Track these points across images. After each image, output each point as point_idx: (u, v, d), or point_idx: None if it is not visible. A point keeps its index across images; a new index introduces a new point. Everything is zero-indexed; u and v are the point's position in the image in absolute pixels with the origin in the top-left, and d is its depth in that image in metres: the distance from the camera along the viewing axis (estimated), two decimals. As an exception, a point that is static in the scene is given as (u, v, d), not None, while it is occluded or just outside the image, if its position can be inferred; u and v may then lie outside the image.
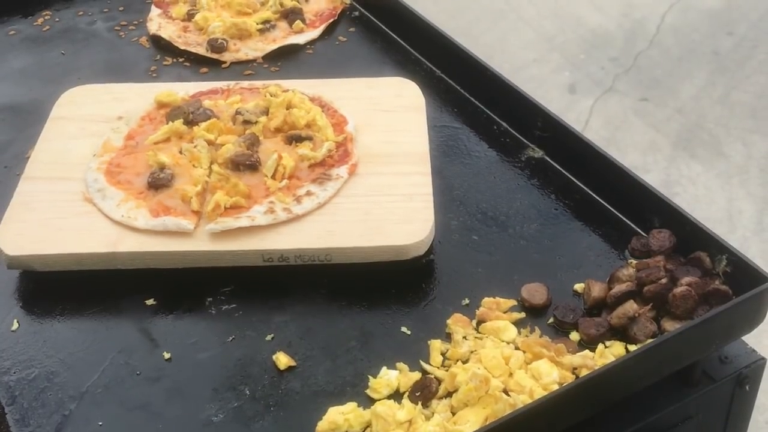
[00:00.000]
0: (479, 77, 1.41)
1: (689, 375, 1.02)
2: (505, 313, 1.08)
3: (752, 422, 1.15)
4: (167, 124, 1.32)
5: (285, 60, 1.58)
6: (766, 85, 3.30)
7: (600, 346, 1.04)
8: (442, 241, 1.19)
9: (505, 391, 0.98)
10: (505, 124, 1.38)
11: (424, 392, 0.99)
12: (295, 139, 1.28)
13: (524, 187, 1.28)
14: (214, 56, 1.57)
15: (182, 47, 1.60)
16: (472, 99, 1.44)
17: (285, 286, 1.14)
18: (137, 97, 1.39)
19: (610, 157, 1.20)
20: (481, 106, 1.42)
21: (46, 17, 1.71)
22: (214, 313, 1.11)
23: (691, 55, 3.45)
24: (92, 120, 1.36)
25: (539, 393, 0.96)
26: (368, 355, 1.05)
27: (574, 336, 1.06)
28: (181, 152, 1.27)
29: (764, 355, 1.07)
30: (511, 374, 1.00)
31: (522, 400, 0.95)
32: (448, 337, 1.07)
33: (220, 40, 1.58)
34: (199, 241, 1.16)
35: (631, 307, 1.05)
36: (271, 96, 1.35)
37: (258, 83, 1.43)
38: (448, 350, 1.04)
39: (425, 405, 0.98)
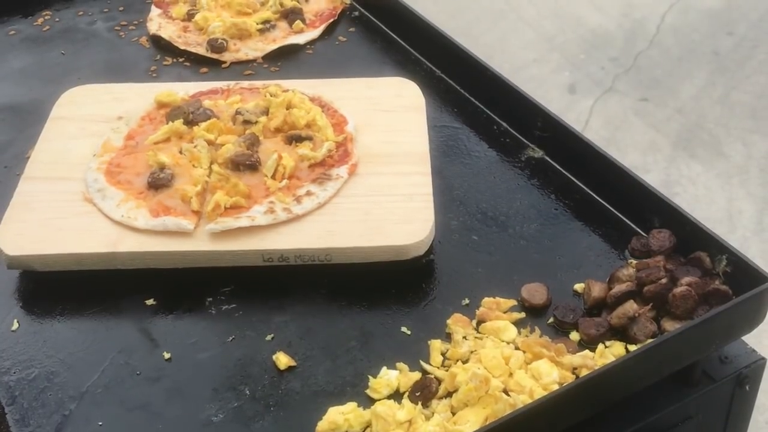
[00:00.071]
0: (479, 77, 1.41)
1: (689, 375, 1.02)
2: (505, 313, 1.08)
3: (752, 422, 1.15)
4: (167, 124, 1.32)
5: (285, 60, 1.58)
6: (766, 85, 3.30)
7: (600, 346, 1.04)
8: (442, 241, 1.19)
9: (505, 391, 0.98)
10: (505, 124, 1.38)
11: (424, 392, 0.99)
12: (295, 139, 1.28)
13: (524, 187, 1.28)
14: (214, 56, 1.57)
15: (182, 47, 1.60)
16: (472, 99, 1.44)
17: (285, 286, 1.15)
18: (137, 97, 1.39)
19: (610, 157, 1.20)
20: (481, 106, 1.42)
21: (46, 17, 1.71)
22: (214, 313, 1.11)
23: (691, 55, 3.45)
24: (92, 120, 1.36)
25: (539, 393, 0.96)
26: (368, 355, 1.05)
27: (574, 336, 1.06)
28: (181, 152, 1.27)
29: (764, 355, 1.07)
30: (511, 374, 1.00)
31: (522, 400, 0.95)
32: (448, 337, 1.07)
33: (220, 40, 1.58)
34: (199, 241, 1.16)
35: (631, 307, 1.05)
36: (271, 96, 1.35)
37: (258, 83, 1.43)
38: (448, 350, 1.04)
39: (425, 405, 0.98)
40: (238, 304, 1.12)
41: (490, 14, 3.72)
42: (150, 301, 1.13)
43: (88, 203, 1.22)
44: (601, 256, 1.16)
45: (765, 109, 3.18)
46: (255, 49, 1.59)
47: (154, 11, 1.69)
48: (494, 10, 3.75)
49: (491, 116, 1.40)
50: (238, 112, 1.33)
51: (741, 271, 1.04)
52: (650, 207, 1.15)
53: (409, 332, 1.08)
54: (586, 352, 1.03)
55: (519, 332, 1.06)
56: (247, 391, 1.02)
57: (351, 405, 0.98)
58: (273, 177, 1.23)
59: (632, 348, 1.03)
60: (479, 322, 1.08)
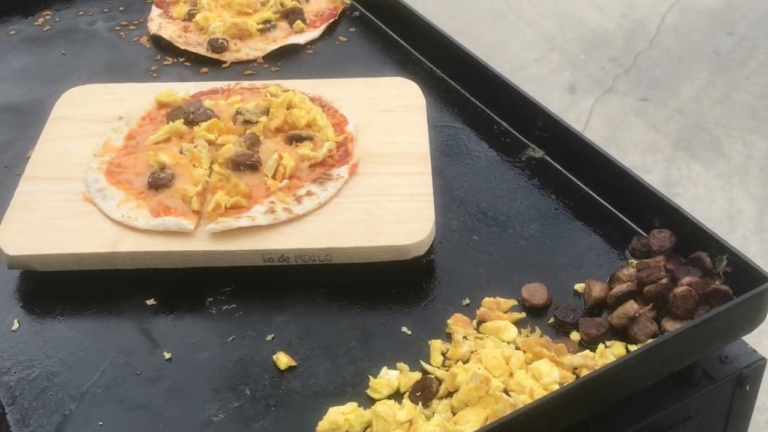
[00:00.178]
0: (479, 77, 1.41)
1: (689, 375, 1.02)
2: (505, 313, 1.08)
3: (752, 422, 1.15)
4: (168, 124, 1.32)
5: (285, 60, 1.58)
6: (766, 85, 3.30)
7: (600, 346, 1.04)
8: (442, 241, 1.19)
9: (506, 391, 0.98)
10: (505, 124, 1.38)
11: (424, 392, 0.99)
12: (295, 139, 1.28)
13: (524, 187, 1.28)
14: (215, 56, 1.57)
15: (183, 47, 1.60)
16: (472, 99, 1.44)
17: (285, 286, 1.15)
18: (138, 97, 1.39)
19: (610, 157, 1.20)
20: (482, 106, 1.42)
21: (47, 17, 1.71)
22: (215, 313, 1.11)
23: (691, 55, 3.45)
24: (93, 120, 1.36)
25: (540, 393, 0.96)
26: (368, 355, 1.05)
27: (575, 336, 1.06)
28: (181, 152, 1.27)
29: (764, 355, 1.07)
30: (511, 374, 1.00)
31: (522, 400, 0.95)
32: (448, 337, 1.07)
33: (220, 40, 1.58)
34: (200, 241, 1.16)
35: (631, 307, 1.05)
36: (272, 96, 1.35)
37: (258, 83, 1.43)
38: (448, 350, 1.04)
39: (425, 405, 0.98)
40: (239, 304, 1.12)
41: (491, 14, 3.72)
42: (150, 301, 1.13)
43: (88, 203, 1.22)
44: (602, 256, 1.16)
45: (765, 109, 3.18)
46: (255, 49, 1.59)
47: (155, 11, 1.69)
48: (494, 10, 3.75)
49: (491, 116, 1.40)
50: (238, 112, 1.33)
51: (741, 271, 1.04)
52: (650, 207, 1.15)
53: (409, 332, 1.08)
54: (587, 352, 1.03)
55: (519, 332, 1.06)
56: (248, 391, 1.02)
57: (351, 405, 0.98)
58: (273, 177, 1.23)
59: (633, 348, 1.03)
60: (480, 322, 1.08)
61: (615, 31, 3.60)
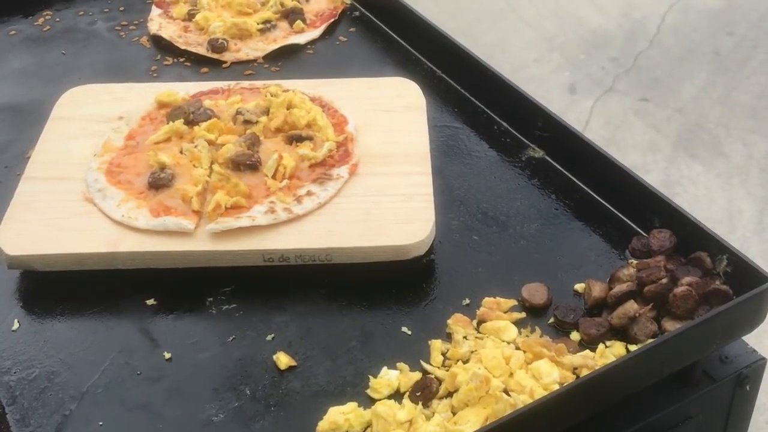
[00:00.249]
0: (480, 77, 1.41)
1: (689, 375, 1.02)
2: (505, 313, 1.08)
3: (752, 422, 1.15)
4: (168, 124, 1.32)
5: (285, 60, 1.58)
6: (766, 85, 3.30)
7: (600, 346, 1.04)
8: (442, 241, 1.19)
9: (506, 391, 0.98)
10: (505, 124, 1.38)
11: (424, 392, 0.99)
12: (295, 139, 1.28)
13: (525, 187, 1.28)
14: (215, 56, 1.57)
15: (183, 47, 1.60)
16: (472, 99, 1.44)
17: (285, 286, 1.15)
18: (138, 97, 1.39)
19: (610, 157, 1.20)
20: (482, 106, 1.42)
21: (47, 17, 1.71)
22: (215, 313, 1.11)
23: (691, 55, 3.45)
24: (93, 120, 1.36)
25: (540, 393, 0.96)
26: (369, 355, 1.05)
27: (575, 336, 1.06)
28: (181, 152, 1.27)
29: (765, 355, 1.07)
30: (511, 374, 1.00)
31: (522, 400, 0.95)
32: (448, 337, 1.07)
33: (220, 40, 1.58)
34: (200, 241, 1.16)
35: (631, 307, 1.05)
36: (272, 96, 1.35)
37: (258, 83, 1.43)
38: (448, 350, 1.04)
39: (426, 405, 0.98)
40: (239, 304, 1.12)
41: (491, 14, 3.72)
42: (150, 301, 1.13)
43: (88, 203, 1.22)
44: (602, 256, 1.16)
45: (765, 109, 3.18)
46: (255, 49, 1.59)
47: (155, 11, 1.69)
48: (494, 10, 3.75)
49: (492, 116, 1.40)
50: (238, 112, 1.33)
51: (741, 271, 1.04)
52: (650, 207, 1.15)
53: (409, 332, 1.08)
54: (587, 352, 1.03)
55: (519, 332, 1.06)
56: (248, 391, 1.02)
57: (351, 405, 0.98)
58: (273, 177, 1.23)
59: (633, 348, 1.03)
60: (480, 322, 1.08)
61: (615, 31, 3.60)
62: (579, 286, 1.12)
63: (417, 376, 1.01)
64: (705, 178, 2.88)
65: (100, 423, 0.99)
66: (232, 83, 1.43)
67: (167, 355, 1.06)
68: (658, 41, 3.53)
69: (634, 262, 1.12)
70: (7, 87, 1.54)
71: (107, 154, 1.29)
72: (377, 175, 1.25)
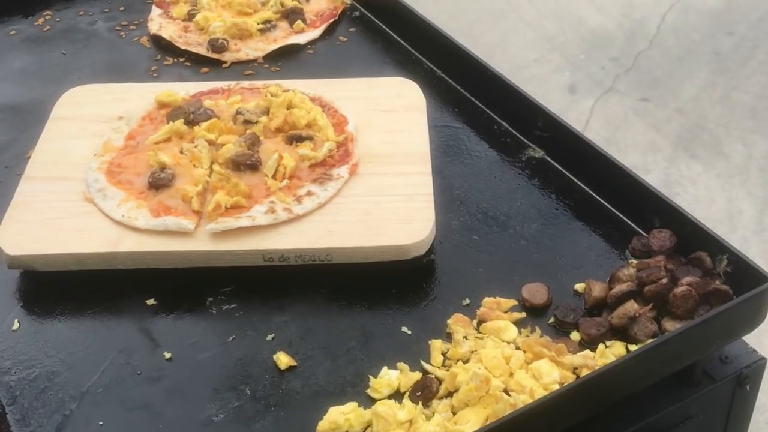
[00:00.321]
0: (480, 77, 1.41)
1: (689, 375, 1.02)
2: (505, 313, 1.08)
3: (753, 422, 1.15)
4: (168, 124, 1.32)
5: (285, 60, 1.58)
6: (766, 85, 3.30)
7: (600, 346, 1.04)
8: (442, 241, 1.19)
9: (506, 391, 0.98)
10: (505, 124, 1.38)
11: (424, 392, 0.99)
12: (295, 139, 1.28)
13: (525, 187, 1.28)
14: (215, 56, 1.57)
15: (183, 47, 1.60)
16: (472, 99, 1.44)
17: (285, 286, 1.15)
18: (138, 97, 1.39)
19: (610, 157, 1.20)
20: (482, 106, 1.42)
21: (47, 17, 1.71)
22: (215, 313, 1.11)
23: (691, 55, 3.45)
24: (93, 120, 1.36)
25: (540, 393, 0.96)
26: (369, 355, 1.05)
27: (575, 336, 1.06)
28: (181, 152, 1.27)
29: (765, 355, 1.07)
30: (511, 374, 1.00)
31: (522, 400, 0.95)
32: (448, 337, 1.07)
33: (220, 40, 1.58)
34: (200, 241, 1.16)
35: (631, 307, 1.05)
36: (272, 96, 1.35)
37: (259, 83, 1.43)
38: (448, 350, 1.04)
39: (426, 405, 0.98)
40: (239, 304, 1.12)
41: (491, 14, 3.72)
42: (150, 301, 1.13)
43: (88, 203, 1.22)
44: (602, 256, 1.16)
45: (765, 109, 3.18)
46: (256, 49, 1.59)
47: (155, 11, 1.69)
48: (494, 10, 3.75)
49: (492, 116, 1.40)
50: (238, 112, 1.33)
51: (741, 271, 1.04)
52: (651, 207, 1.15)
53: (409, 332, 1.08)
54: (587, 352, 1.03)
55: (519, 332, 1.06)
56: (248, 391, 1.02)
57: (351, 405, 0.98)
58: (274, 177, 1.23)
59: (633, 348, 1.03)
60: (480, 322, 1.08)
61: (615, 31, 3.60)
62: (579, 286, 1.12)
63: (417, 376, 1.01)
64: (705, 178, 2.88)
65: (101, 423, 0.99)
66: (232, 83, 1.43)
67: (167, 355, 1.06)
68: (658, 41, 3.53)
69: (634, 262, 1.12)
70: (7, 87, 1.54)
71: (107, 154, 1.29)
72: (377, 175, 1.25)
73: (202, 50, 1.58)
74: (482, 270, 1.16)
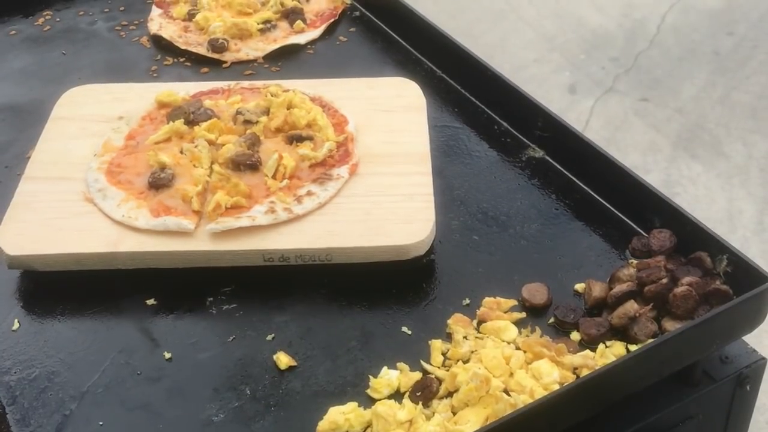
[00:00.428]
0: (480, 77, 1.41)
1: (690, 375, 1.02)
2: (505, 313, 1.08)
3: (753, 422, 1.15)
4: (168, 124, 1.32)
5: (286, 60, 1.58)
6: (766, 85, 3.30)
7: (600, 346, 1.04)
8: (442, 240, 1.19)
9: (506, 391, 0.98)
10: (505, 124, 1.38)
11: (424, 392, 0.99)
12: (295, 139, 1.28)
13: (525, 187, 1.28)
14: (215, 56, 1.57)
15: (183, 47, 1.60)
16: (472, 99, 1.44)
17: (285, 286, 1.15)
18: (138, 97, 1.39)
19: (610, 157, 1.20)
20: (482, 106, 1.42)
21: (47, 17, 1.71)
22: (215, 313, 1.11)
23: (691, 55, 3.45)
24: (93, 120, 1.36)
25: (540, 393, 0.96)
26: (369, 355, 1.05)
27: (575, 336, 1.06)
28: (181, 152, 1.27)
29: (765, 355, 1.07)
30: (511, 374, 1.00)
31: (522, 400, 0.95)
32: (448, 337, 1.07)
33: (220, 40, 1.58)
34: (200, 241, 1.16)
35: (631, 307, 1.05)
36: (272, 96, 1.35)
37: (259, 83, 1.43)
38: (448, 350, 1.04)
39: (426, 405, 0.98)
40: (239, 304, 1.12)
41: (491, 14, 3.72)
42: (150, 301, 1.13)
43: (88, 203, 1.22)
44: (602, 256, 1.16)
45: (765, 109, 3.18)
46: (256, 49, 1.59)
47: (155, 11, 1.69)
48: (495, 10, 3.75)
49: (492, 116, 1.40)
50: (238, 112, 1.33)
51: (741, 271, 1.04)
52: (651, 207, 1.15)
53: (409, 332, 1.08)
54: (587, 352, 1.03)
55: (519, 332, 1.06)
56: (248, 391, 1.02)
57: (351, 405, 0.98)
58: (274, 177, 1.23)
59: (633, 348, 1.03)
60: (480, 322, 1.08)
61: (615, 31, 3.60)
62: (579, 286, 1.12)
63: (417, 376, 1.01)
64: (705, 178, 2.88)
65: (101, 423, 0.99)
66: (232, 83, 1.43)
67: (167, 355, 1.06)
68: (658, 41, 3.53)
69: (634, 262, 1.12)
70: (7, 87, 1.54)
71: (107, 154, 1.29)
72: (377, 175, 1.25)
73: (202, 50, 1.58)
74: (482, 270, 1.16)
